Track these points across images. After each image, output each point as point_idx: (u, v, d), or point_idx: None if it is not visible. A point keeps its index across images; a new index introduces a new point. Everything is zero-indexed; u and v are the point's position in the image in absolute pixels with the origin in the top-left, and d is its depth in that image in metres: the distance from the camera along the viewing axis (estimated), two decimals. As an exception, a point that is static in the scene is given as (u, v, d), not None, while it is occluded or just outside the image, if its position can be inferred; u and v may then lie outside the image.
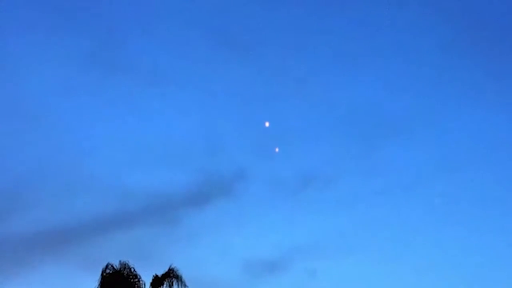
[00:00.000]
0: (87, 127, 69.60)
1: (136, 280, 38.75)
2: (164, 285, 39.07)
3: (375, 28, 75.62)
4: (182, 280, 39.17)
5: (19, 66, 68.04)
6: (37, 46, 69.03)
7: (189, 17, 72.52)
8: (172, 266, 39.36)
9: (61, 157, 64.55)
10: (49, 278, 47.94)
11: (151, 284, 39.03)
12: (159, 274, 39.24)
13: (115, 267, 38.61)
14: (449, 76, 74.06)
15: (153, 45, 72.68)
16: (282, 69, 72.12)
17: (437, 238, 63.69)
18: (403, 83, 74.67)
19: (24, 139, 64.98)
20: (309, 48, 74.02)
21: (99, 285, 38.08)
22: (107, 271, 38.48)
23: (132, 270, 38.83)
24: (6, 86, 66.20)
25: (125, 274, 38.55)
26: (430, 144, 71.86)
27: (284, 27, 74.57)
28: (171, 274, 39.18)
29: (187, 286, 39.25)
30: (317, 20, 74.56)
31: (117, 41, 70.36)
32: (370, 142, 70.04)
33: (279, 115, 71.01)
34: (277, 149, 66.87)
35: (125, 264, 38.78)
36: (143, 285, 38.87)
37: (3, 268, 50.59)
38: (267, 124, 67.85)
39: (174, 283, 39.10)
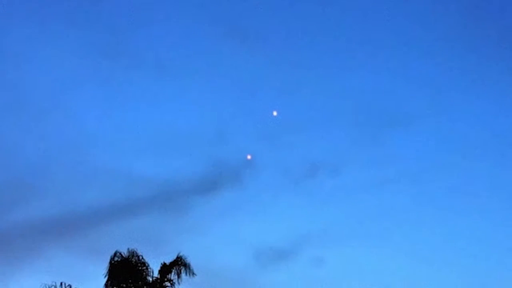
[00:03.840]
0: (96, 117, 70.07)
1: (144, 267, 38.89)
2: (172, 273, 39.18)
3: (384, 18, 75.83)
4: (190, 268, 39.28)
5: (28, 59, 68.57)
6: (44, 38, 69.44)
7: (196, 7, 72.76)
8: (180, 254, 39.46)
9: (70, 146, 64.98)
10: (58, 266, 48.16)
11: (159, 271, 39.16)
12: (167, 262, 39.37)
13: (123, 255, 38.75)
14: (457, 66, 74.08)
15: (161, 36, 72.98)
16: (289, 58, 72.31)
17: (444, 227, 63.94)
18: (410, 72, 74.76)
19: (33, 129, 65.54)
20: (317, 38, 74.15)
21: (107, 272, 38.28)
22: (116, 259, 38.63)
23: (140, 258, 38.96)
24: (15, 78, 66.60)
25: (133, 262, 38.70)
26: (438, 134, 72.05)
27: (292, 15, 74.73)
28: (179, 262, 39.28)
29: (195, 274, 39.35)
30: (325, 9, 74.64)
31: (124, 32, 70.72)
32: (377, 131, 70.20)
33: (287, 104, 71.24)
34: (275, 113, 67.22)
35: (133, 252, 38.91)
36: (151, 273, 39.02)
37: (13, 256, 51.01)
38: (274, 113, 67.98)
39: (182, 271, 39.20)
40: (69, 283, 38.29)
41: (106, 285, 38.28)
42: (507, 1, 74.51)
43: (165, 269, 39.24)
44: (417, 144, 71.91)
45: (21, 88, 66.21)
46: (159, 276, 39.13)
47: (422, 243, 62.54)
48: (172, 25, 73.72)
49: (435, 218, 64.43)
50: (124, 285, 38.39)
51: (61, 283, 38.07)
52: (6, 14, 69.04)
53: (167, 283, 39.07)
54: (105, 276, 38.36)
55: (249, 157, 64.61)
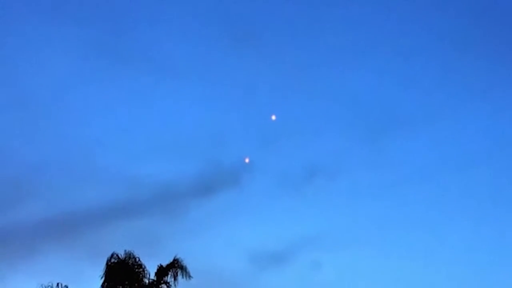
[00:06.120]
0: (95, 118, 69.92)
1: (141, 270, 38.99)
2: (169, 276, 39.28)
3: (384, 21, 75.63)
4: (187, 270, 39.38)
5: (31, 59, 68.61)
6: (48, 38, 69.46)
7: (196, 8, 72.63)
8: (177, 257, 39.59)
9: (70, 147, 64.91)
10: (55, 266, 48.18)
11: (156, 274, 39.25)
12: (164, 264, 39.49)
13: (120, 256, 38.89)
14: (457, 70, 73.94)
15: (160, 37, 72.71)
16: (289, 61, 72.12)
17: (443, 232, 63.82)
18: (410, 76, 74.57)
19: (34, 129, 65.47)
20: (316, 41, 73.96)
21: (104, 274, 38.40)
22: (112, 260, 38.75)
23: (137, 259, 39.08)
24: (18, 78, 66.61)
25: (130, 264, 38.81)
26: (437, 138, 71.85)
27: (292, 19, 74.65)
28: (175, 265, 39.38)
29: (192, 277, 39.48)
30: (326, 12, 74.60)
31: (125, 33, 70.60)
32: (376, 135, 70.11)
33: (286, 107, 71.19)
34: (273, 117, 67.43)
35: (130, 254, 39.03)
36: (148, 275, 39.13)
37: (10, 255, 51.04)
38: (273, 116, 68.03)
39: (178, 273, 39.29)
40: (66, 283, 38.48)
41: (102, 286, 38.39)
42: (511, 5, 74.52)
43: (162, 271, 39.30)
44: (416, 148, 71.91)
45: (24, 87, 66.24)
46: (155, 279, 39.25)
47: (420, 247, 62.54)
48: (171, 26, 73.75)
49: (434, 222, 64.49)
50: (121, 287, 38.48)
51: (57, 284, 38.23)
52: (9, 14, 69.14)
53: (164, 286, 39.16)
54: (102, 278, 38.50)
55: (247, 160, 64.69)
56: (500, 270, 59.48)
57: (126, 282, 38.56)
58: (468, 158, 69.10)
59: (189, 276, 39.32)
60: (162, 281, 39.10)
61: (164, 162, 64.85)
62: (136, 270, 38.88)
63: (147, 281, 39.03)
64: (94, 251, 47.38)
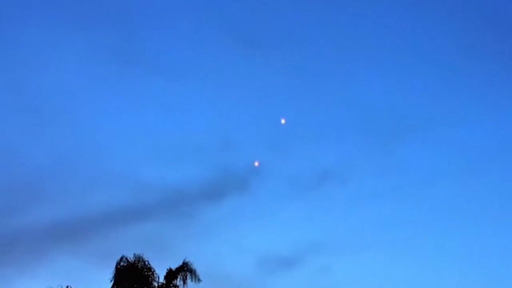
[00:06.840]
0: (105, 122, 70.27)
1: (150, 273, 38.97)
2: (178, 279, 39.28)
3: (395, 28, 75.90)
4: (196, 274, 39.37)
5: (40, 62, 68.94)
6: (58, 41, 69.84)
7: (207, 14, 73.12)
8: (186, 260, 39.59)
9: (80, 151, 65.18)
10: (64, 269, 48.30)
11: (165, 277, 39.24)
12: (173, 267, 39.48)
13: (129, 259, 38.86)
14: (467, 77, 74.09)
15: (171, 41, 73.28)
16: (299, 65, 72.38)
17: (452, 236, 63.68)
18: (421, 83, 74.81)
19: (44, 133, 65.77)
20: (327, 46, 74.20)
21: (113, 277, 38.39)
22: (122, 263, 38.74)
23: (147, 263, 39.06)
24: (27, 82, 66.97)
25: (139, 267, 38.80)
26: (446, 144, 71.85)
27: (302, 23, 74.87)
28: (185, 268, 39.37)
29: (201, 280, 39.45)
30: (336, 17, 74.88)
31: (136, 37, 71.08)
32: (386, 141, 70.17)
33: (295, 112, 71.28)
34: (283, 121, 67.39)
35: (139, 257, 39.01)
36: (157, 278, 39.11)
37: (19, 259, 51.19)
38: (283, 120, 68.06)
39: (188, 277, 39.27)
40: (75, 287, 38.48)
41: (112, 289, 38.46)
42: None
43: (171, 274, 39.30)
44: (426, 153, 71.93)
45: (34, 92, 66.66)
46: (164, 282, 39.23)
47: (429, 251, 62.59)
48: (182, 31, 74.19)
49: (443, 227, 64.52)
50: (130, 290, 38.53)
51: (67, 287, 38.25)
52: (20, 19, 69.53)
53: (173, 289, 39.20)
54: (111, 281, 38.48)
55: (256, 164, 64.68)
56: (508, 275, 59.45)
57: (136, 285, 38.54)
58: (477, 164, 69.22)
59: (198, 280, 39.31)
60: (171, 285, 39.09)
61: (173, 166, 65.11)
62: (146, 273, 38.86)
63: (156, 284, 39.01)
64: (103, 254, 47.51)
